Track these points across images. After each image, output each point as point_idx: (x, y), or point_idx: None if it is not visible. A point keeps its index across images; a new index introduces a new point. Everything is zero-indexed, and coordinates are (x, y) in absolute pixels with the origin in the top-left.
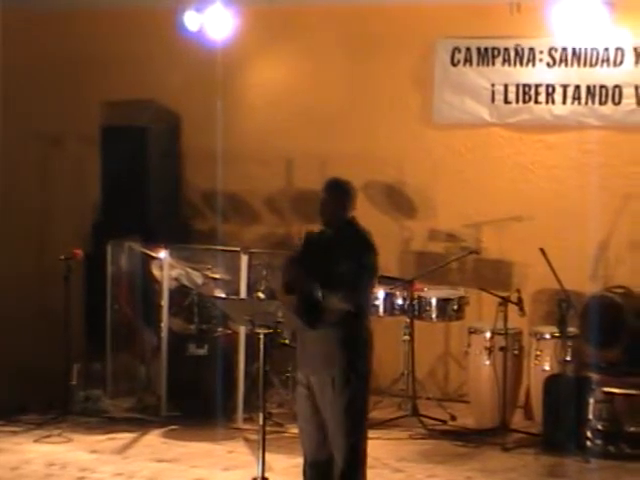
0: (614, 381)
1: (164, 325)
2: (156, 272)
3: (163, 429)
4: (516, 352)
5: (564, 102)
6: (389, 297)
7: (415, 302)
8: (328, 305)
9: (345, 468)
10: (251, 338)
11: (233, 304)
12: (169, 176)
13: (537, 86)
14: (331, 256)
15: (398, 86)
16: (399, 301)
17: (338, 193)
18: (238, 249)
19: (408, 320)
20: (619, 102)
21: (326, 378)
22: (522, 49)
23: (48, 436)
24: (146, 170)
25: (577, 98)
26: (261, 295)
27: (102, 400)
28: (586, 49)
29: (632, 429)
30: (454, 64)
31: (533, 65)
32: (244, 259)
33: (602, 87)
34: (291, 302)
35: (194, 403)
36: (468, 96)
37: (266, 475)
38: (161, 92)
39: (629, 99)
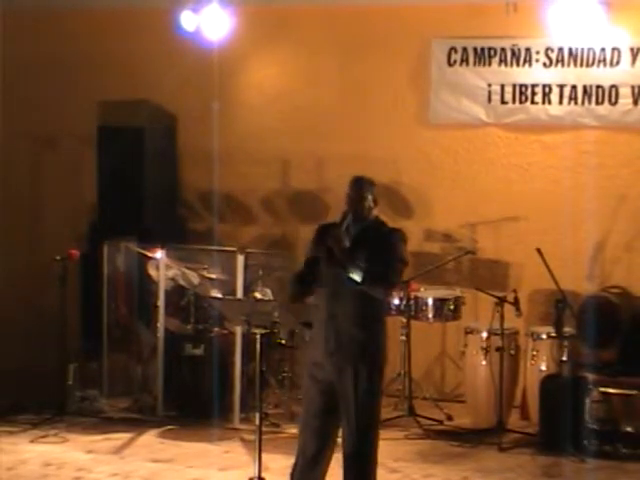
0: (610, 381)
1: (160, 325)
2: (152, 272)
3: (159, 429)
4: (512, 352)
5: (560, 102)
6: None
7: (411, 302)
8: (363, 288)
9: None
10: (247, 338)
11: (229, 304)
12: (165, 176)
13: (534, 86)
14: (366, 248)
15: (394, 86)
16: (395, 301)
17: (370, 189)
18: (234, 249)
19: (405, 320)
20: (616, 102)
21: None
22: (518, 49)
23: (44, 436)
24: (142, 170)
25: (573, 98)
26: (257, 295)
27: (98, 400)
28: (582, 49)
29: (628, 429)
30: (450, 64)
31: (530, 65)
32: (240, 259)
33: (599, 87)
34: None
35: (191, 403)
36: (464, 96)
37: (263, 475)
38: (157, 92)
39: (626, 99)
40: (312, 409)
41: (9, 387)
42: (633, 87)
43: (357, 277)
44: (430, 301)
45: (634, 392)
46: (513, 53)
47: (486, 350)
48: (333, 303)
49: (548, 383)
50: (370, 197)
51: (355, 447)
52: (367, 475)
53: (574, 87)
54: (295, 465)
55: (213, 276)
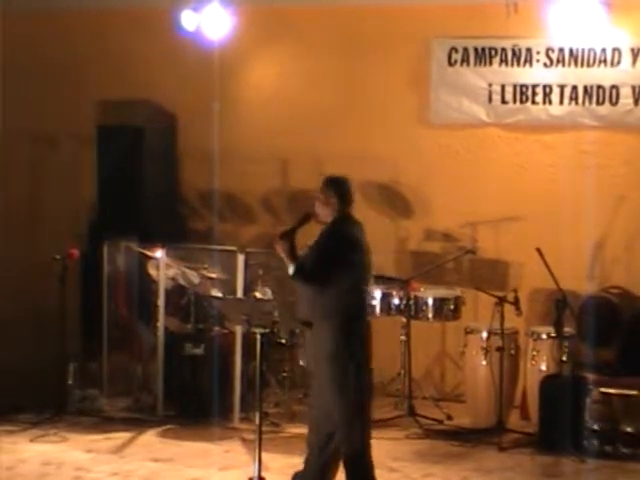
0: (610, 381)
1: (160, 325)
2: (152, 272)
3: (159, 429)
4: (512, 352)
5: (561, 102)
6: (386, 297)
7: (412, 302)
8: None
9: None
10: (248, 338)
11: (230, 304)
12: (165, 176)
13: (534, 86)
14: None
15: (395, 86)
16: (395, 301)
17: (329, 189)
18: (234, 248)
19: (405, 320)
20: (616, 102)
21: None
22: (519, 49)
23: (44, 435)
24: (142, 170)
25: (574, 98)
26: (258, 295)
27: (98, 400)
28: (583, 49)
29: (628, 429)
30: (451, 64)
31: (530, 65)
32: (240, 258)
33: (599, 87)
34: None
35: (190, 403)
36: (465, 96)
37: (262, 475)
38: (157, 92)
39: (626, 99)
40: (313, 401)
41: (9, 387)
42: (634, 87)
43: (289, 270)
44: (430, 301)
45: (634, 392)
46: (514, 53)
47: (486, 350)
48: (302, 302)
49: (548, 383)
50: (324, 197)
51: (341, 441)
52: (355, 468)
53: (575, 87)
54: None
55: (213, 275)
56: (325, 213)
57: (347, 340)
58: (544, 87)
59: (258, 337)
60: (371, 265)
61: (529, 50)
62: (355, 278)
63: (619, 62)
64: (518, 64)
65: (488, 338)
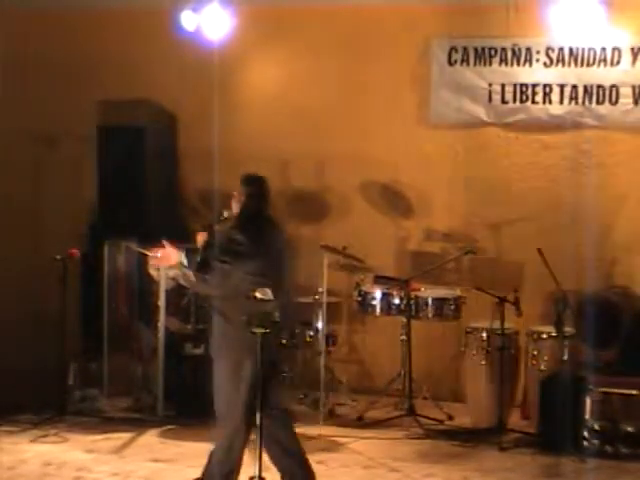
0: (611, 381)
1: (161, 325)
2: (153, 272)
3: (160, 429)
4: (513, 352)
5: (561, 102)
6: (386, 297)
7: (412, 302)
8: None
9: None
10: None
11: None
12: (165, 176)
13: (534, 86)
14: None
15: (395, 86)
16: (396, 301)
17: (240, 188)
18: None
19: (405, 320)
20: (616, 102)
21: None
22: (519, 49)
23: (45, 436)
24: (142, 170)
25: (574, 98)
26: (258, 295)
27: (99, 400)
28: (583, 49)
29: (629, 429)
30: (451, 64)
31: (530, 65)
32: None
33: (599, 87)
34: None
35: (191, 403)
36: (465, 96)
37: (263, 475)
38: (158, 92)
39: (626, 99)
40: None
41: (9, 387)
42: (633, 87)
43: None
44: (430, 301)
45: (634, 392)
46: (514, 53)
47: (486, 350)
48: None
49: (548, 383)
50: (237, 194)
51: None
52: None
53: (575, 87)
54: None
55: None
56: (259, 211)
57: (225, 345)
58: (544, 87)
59: (258, 337)
60: (270, 268)
61: (529, 50)
62: (238, 281)
63: (619, 62)
64: (518, 64)
65: (488, 338)
